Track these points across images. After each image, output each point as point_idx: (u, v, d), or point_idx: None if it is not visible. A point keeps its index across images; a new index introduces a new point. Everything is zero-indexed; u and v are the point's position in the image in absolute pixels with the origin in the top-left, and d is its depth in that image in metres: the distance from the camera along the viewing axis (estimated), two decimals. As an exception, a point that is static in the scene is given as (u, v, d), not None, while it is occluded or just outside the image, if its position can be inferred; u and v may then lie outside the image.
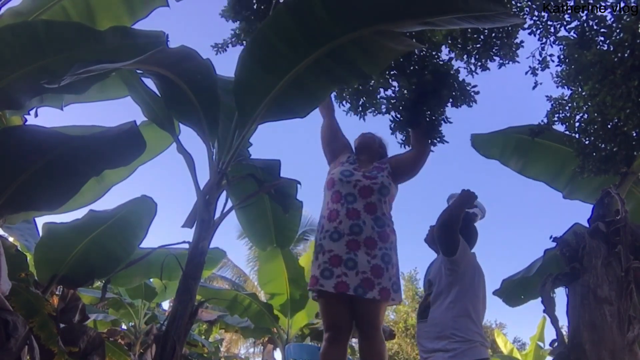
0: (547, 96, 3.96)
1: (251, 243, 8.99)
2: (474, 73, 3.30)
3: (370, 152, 2.99)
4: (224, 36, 3.38)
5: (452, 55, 3.26)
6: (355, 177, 2.72)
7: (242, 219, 5.10)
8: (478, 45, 3.19)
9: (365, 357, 2.53)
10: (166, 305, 12.06)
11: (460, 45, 3.19)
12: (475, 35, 3.16)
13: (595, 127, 3.64)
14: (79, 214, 4.94)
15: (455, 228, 2.55)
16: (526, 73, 3.63)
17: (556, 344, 3.15)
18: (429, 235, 2.88)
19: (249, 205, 4.44)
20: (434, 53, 3.20)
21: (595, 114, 3.54)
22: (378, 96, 3.29)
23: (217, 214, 3.49)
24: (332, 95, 3.25)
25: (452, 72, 3.07)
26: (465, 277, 2.52)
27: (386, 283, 2.52)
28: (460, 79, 3.09)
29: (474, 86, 3.06)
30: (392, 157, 3.03)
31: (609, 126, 3.58)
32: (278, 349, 10.28)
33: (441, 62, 3.17)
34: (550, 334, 12.79)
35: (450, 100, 3.08)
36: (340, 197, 2.68)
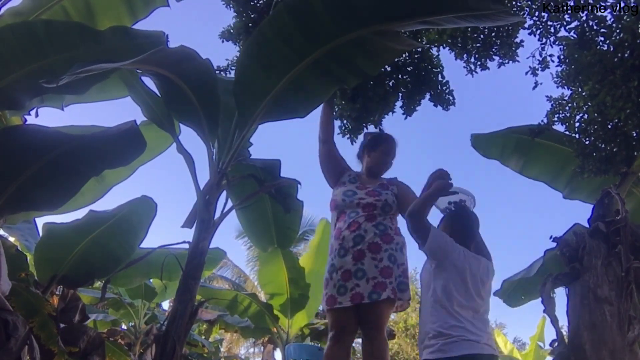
0: (547, 96, 3.96)
1: (252, 243, 8.99)
2: (473, 72, 3.32)
3: (381, 173, 2.95)
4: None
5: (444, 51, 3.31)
6: (358, 195, 2.75)
7: (243, 219, 5.09)
8: (478, 45, 3.21)
9: (368, 357, 2.52)
10: (166, 305, 12.06)
11: (460, 45, 3.21)
12: (475, 35, 3.18)
13: (595, 127, 3.64)
14: (79, 214, 4.95)
15: (421, 217, 2.45)
16: (526, 73, 3.63)
17: (556, 344, 3.15)
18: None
19: (249, 205, 4.44)
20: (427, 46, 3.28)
21: (595, 114, 3.53)
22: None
23: (217, 214, 3.49)
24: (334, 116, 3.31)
25: (437, 69, 3.19)
26: (444, 268, 2.39)
27: (394, 282, 2.54)
28: (459, 77, 3.18)
29: (451, 90, 3.17)
30: (403, 187, 2.90)
31: (609, 126, 3.58)
32: (278, 349, 10.28)
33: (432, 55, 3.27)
34: (550, 334, 12.80)
35: (430, 93, 3.18)
36: (344, 216, 2.73)
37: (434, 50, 3.32)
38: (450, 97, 3.23)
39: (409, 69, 3.23)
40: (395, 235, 2.69)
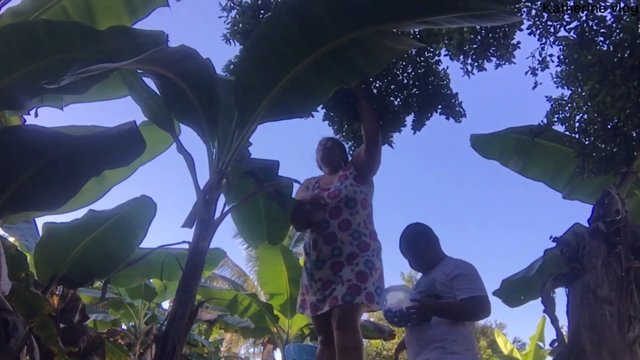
0: (547, 96, 3.96)
1: (244, 241, 8.96)
2: (470, 73, 3.32)
3: (333, 162, 3.14)
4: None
5: (447, 55, 3.28)
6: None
7: (236, 217, 5.07)
8: (475, 46, 3.20)
9: (340, 345, 2.55)
10: (166, 305, 12.05)
11: (456, 46, 3.21)
12: (472, 36, 3.17)
13: (595, 127, 3.64)
14: (79, 214, 4.94)
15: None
16: (526, 73, 3.63)
17: (556, 344, 3.15)
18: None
19: (243, 203, 4.43)
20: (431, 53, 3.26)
21: (595, 114, 3.53)
22: None
23: (217, 214, 3.49)
24: None
25: (444, 82, 3.19)
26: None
27: (371, 287, 2.64)
28: (457, 78, 3.17)
29: (460, 102, 3.18)
30: (354, 155, 3.14)
31: (609, 126, 3.58)
32: (278, 349, 10.28)
33: (438, 70, 3.26)
34: (550, 334, 12.79)
35: (440, 107, 3.20)
36: (316, 226, 2.87)
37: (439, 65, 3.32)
38: (461, 109, 3.23)
39: (417, 82, 3.23)
40: (371, 241, 2.79)
